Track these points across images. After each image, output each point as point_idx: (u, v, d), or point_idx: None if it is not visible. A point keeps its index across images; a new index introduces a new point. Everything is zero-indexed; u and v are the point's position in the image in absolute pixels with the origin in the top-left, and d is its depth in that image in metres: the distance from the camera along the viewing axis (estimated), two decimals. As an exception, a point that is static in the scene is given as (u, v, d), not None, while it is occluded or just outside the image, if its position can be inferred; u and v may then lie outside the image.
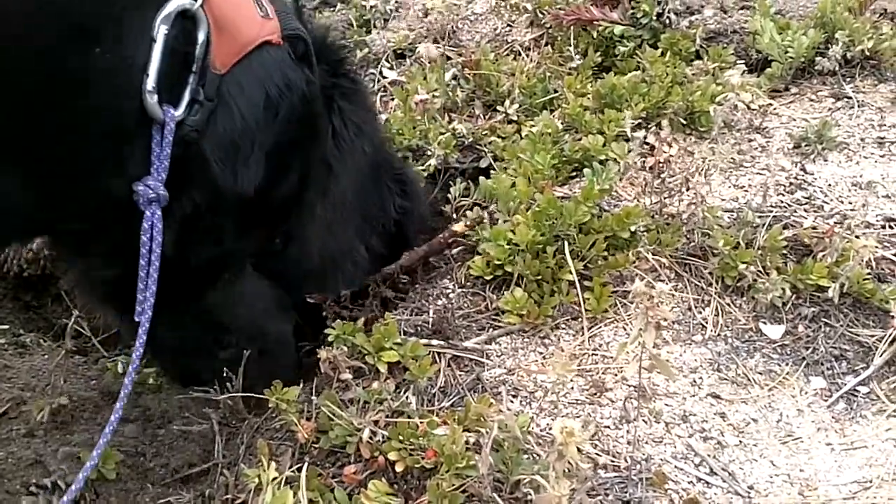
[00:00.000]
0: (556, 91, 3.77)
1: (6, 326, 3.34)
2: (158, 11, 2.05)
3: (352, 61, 3.04)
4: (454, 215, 3.28)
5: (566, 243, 2.74)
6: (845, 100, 3.52)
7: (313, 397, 2.45)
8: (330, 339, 2.52)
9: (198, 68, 2.17)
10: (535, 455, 2.23)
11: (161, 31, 2.04)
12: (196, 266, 2.48)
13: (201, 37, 2.16)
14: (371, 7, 4.91)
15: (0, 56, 1.85)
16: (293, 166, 2.57)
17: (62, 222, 2.27)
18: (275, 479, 2.20)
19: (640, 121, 3.35)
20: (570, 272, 2.69)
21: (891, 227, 2.88)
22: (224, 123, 2.28)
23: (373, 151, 2.94)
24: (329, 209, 2.81)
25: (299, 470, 2.25)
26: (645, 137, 3.32)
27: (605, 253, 2.77)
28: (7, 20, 1.84)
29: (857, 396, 2.49)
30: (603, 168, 2.99)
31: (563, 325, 2.72)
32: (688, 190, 2.92)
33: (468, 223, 2.95)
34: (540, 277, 2.73)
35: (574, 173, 3.26)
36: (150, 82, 2.04)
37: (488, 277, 2.82)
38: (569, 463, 1.85)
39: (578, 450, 1.83)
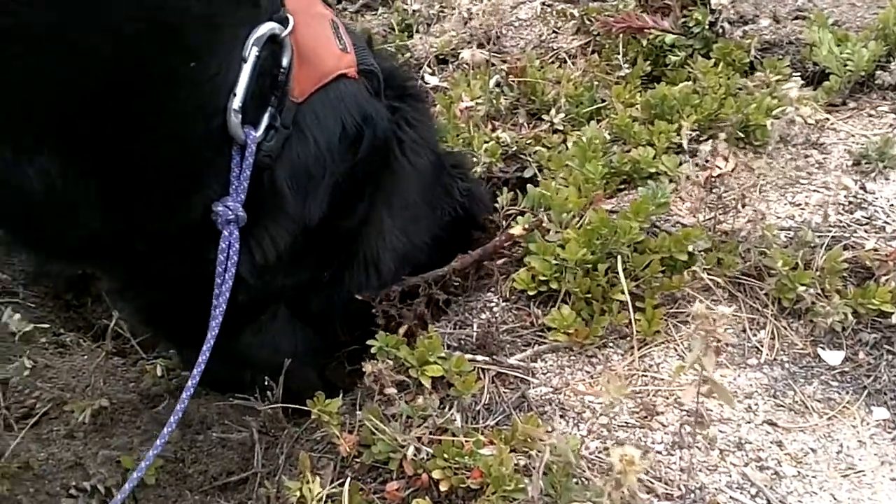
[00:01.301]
0: (603, 101, 3.70)
1: (46, 325, 3.32)
2: (251, 32, 2.07)
3: (416, 87, 3.03)
4: (503, 222, 3.21)
5: (619, 261, 2.65)
6: (907, 116, 3.41)
7: (357, 412, 2.40)
8: (373, 350, 2.47)
9: (278, 94, 2.19)
10: (583, 480, 2.17)
11: (252, 53, 2.05)
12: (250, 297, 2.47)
13: (285, 62, 2.18)
14: (413, 11, 4.85)
15: (94, 48, 1.81)
16: (362, 199, 2.60)
17: (126, 241, 2.24)
18: (318, 493, 2.16)
19: (693, 133, 3.26)
20: (623, 291, 2.61)
21: (956, 250, 2.77)
22: (298, 151, 2.29)
23: (432, 147, 2.93)
24: (397, 217, 2.79)
25: (341, 484, 2.21)
26: (696, 150, 3.24)
27: (660, 273, 2.68)
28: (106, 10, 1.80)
29: (921, 429, 2.40)
30: (659, 185, 2.90)
31: (612, 344, 2.65)
32: (743, 207, 2.83)
33: (525, 226, 2.87)
34: (590, 295, 2.65)
35: (622, 185, 3.19)
36: (237, 102, 2.04)
37: (532, 293, 2.75)
38: (626, 491, 1.78)
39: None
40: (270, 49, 2.14)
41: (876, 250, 2.71)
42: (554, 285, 2.69)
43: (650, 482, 2.20)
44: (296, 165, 2.30)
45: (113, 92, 1.88)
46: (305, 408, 2.43)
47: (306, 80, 2.28)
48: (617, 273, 2.64)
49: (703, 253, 2.74)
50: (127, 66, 1.86)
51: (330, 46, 2.41)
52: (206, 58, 2.00)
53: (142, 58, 1.88)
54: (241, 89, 2.04)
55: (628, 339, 2.63)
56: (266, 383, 2.62)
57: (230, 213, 2.13)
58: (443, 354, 2.47)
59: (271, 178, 2.27)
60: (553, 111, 3.68)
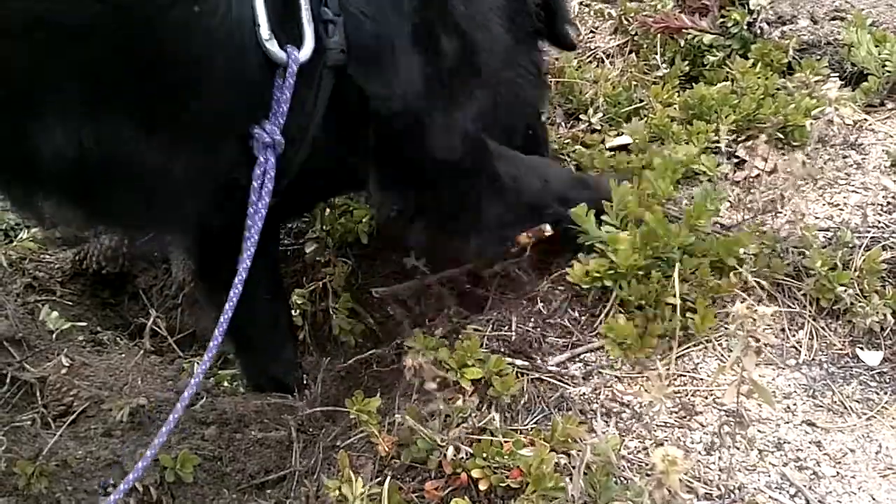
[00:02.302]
0: (641, 101, 3.71)
1: (84, 323, 3.36)
2: None
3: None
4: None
5: (675, 267, 2.62)
6: (945, 117, 3.39)
7: (396, 413, 2.40)
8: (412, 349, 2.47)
9: None
10: (622, 479, 2.16)
11: None
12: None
13: None
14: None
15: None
16: (442, 34, 2.47)
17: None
18: (359, 493, 2.16)
19: (731, 134, 3.25)
20: (675, 296, 2.58)
21: None
22: (356, 33, 2.22)
23: None
24: (490, 43, 2.69)
25: (380, 483, 2.21)
26: (735, 151, 3.24)
27: (710, 276, 2.66)
28: None
29: (960, 430, 2.38)
30: (714, 186, 2.89)
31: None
32: (783, 207, 2.82)
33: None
34: (643, 302, 2.63)
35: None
36: (265, 31, 2.03)
37: (585, 286, 2.73)
38: (667, 492, 1.78)
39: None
40: None
41: (915, 251, 2.70)
42: (608, 282, 2.67)
43: (690, 482, 2.19)
44: (360, 50, 2.23)
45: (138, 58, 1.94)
46: (343, 408, 2.44)
47: None
48: (669, 277, 2.62)
49: (750, 256, 2.73)
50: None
51: None
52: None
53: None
54: (262, 17, 2.02)
55: (667, 339, 2.62)
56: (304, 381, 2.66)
57: (266, 136, 2.10)
58: (481, 356, 2.47)
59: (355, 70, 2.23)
60: (591, 111, 3.70)
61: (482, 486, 2.15)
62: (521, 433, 2.30)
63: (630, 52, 4.08)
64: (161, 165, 2.12)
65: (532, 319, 2.76)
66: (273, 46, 2.04)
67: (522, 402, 2.46)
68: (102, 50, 1.90)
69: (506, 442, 2.21)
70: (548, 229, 2.84)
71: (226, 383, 3.21)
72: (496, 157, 2.72)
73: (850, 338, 2.62)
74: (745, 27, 3.75)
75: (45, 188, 2.16)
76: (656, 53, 3.93)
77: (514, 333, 2.69)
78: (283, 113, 2.10)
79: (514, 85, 2.91)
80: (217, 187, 2.26)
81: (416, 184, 2.57)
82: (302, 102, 2.17)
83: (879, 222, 2.89)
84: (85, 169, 2.02)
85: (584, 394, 2.49)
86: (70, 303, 3.56)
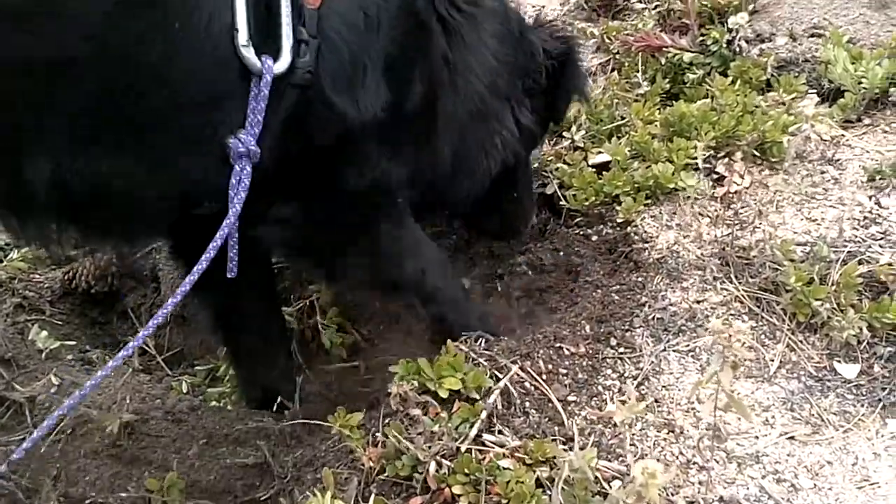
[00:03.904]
0: (622, 118, 3.74)
1: (73, 342, 3.38)
2: None
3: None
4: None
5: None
6: (920, 133, 3.44)
7: (377, 432, 2.42)
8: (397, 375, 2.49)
9: (291, 9, 2.16)
10: (602, 493, 2.19)
11: None
12: (355, 193, 2.53)
13: None
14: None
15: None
16: (413, 74, 2.53)
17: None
18: (342, 508, 2.18)
19: (710, 151, 3.30)
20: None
21: (971, 265, 2.80)
22: (331, 55, 2.26)
23: (500, 13, 2.91)
24: (462, 101, 2.75)
25: (365, 499, 2.24)
26: (714, 167, 3.28)
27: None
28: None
29: (936, 441, 2.42)
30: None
31: (628, 359, 2.68)
32: (760, 222, 2.87)
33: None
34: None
35: (648, 201, 3.23)
36: (242, 37, 2.07)
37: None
38: (647, 505, 1.82)
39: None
40: None
41: (891, 265, 2.74)
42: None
43: (668, 495, 2.23)
44: (334, 70, 2.28)
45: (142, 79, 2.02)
46: (326, 423, 2.47)
47: None
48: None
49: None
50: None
51: None
52: (190, 11, 2.03)
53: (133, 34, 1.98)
54: (241, 23, 2.06)
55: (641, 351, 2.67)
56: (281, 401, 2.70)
57: (241, 146, 2.13)
58: (465, 370, 2.48)
59: (319, 90, 2.27)
60: (574, 128, 3.73)
61: (463, 503, 2.17)
62: (503, 448, 2.32)
63: (612, 70, 4.13)
64: (146, 183, 2.19)
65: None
66: (249, 53, 2.08)
67: (504, 415, 2.47)
68: (89, 87, 1.98)
69: (487, 457, 2.23)
70: None
71: (214, 402, 3.23)
72: (396, 218, 2.75)
73: (828, 351, 2.66)
74: (725, 45, 3.79)
75: (39, 216, 2.24)
76: (638, 71, 3.98)
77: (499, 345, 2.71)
78: (258, 122, 2.14)
79: (484, 142, 2.96)
80: (197, 192, 2.32)
81: (314, 203, 2.58)
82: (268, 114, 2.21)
83: (856, 237, 2.93)
84: (75, 197, 2.11)
85: (565, 406, 2.51)
86: (59, 322, 3.58)
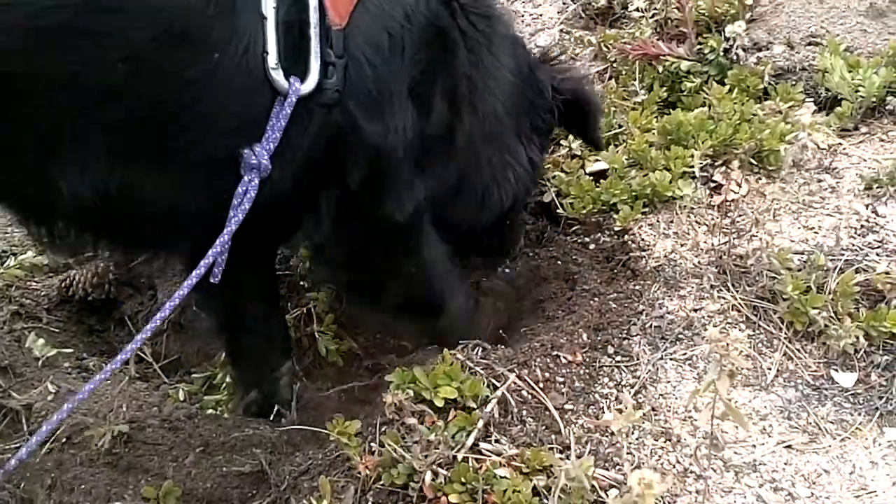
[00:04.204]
0: (620, 126, 3.74)
1: (70, 350, 3.36)
2: None
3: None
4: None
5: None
6: (917, 141, 3.44)
7: (373, 442, 2.41)
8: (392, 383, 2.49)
9: (319, 30, 2.19)
10: (599, 502, 2.19)
11: (270, 6, 2.10)
12: (395, 223, 2.58)
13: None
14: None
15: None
16: (436, 92, 2.55)
17: None
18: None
19: (707, 159, 3.30)
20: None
21: (968, 273, 2.80)
22: (357, 76, 2.30)
23: (511, 44, 2.93)
24: (480, 122, 2.77)
25: (361, 507, 2.24)
26: (712, 175, 3.28)
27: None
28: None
29: (933, 449, 2.42)
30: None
31: (625, 368, 2.68)
32: (757, 231, 2.87)
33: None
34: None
35: (645, 210, 3.23)
36: (272, 60, 2.11)
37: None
38: (642, 515, 1.81)
39: (651, 501, 1.80)
40: None
41: (888, 273, 2.74)
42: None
43: (665, 504, 2.23)
44: (360, 92, 2.31)
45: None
46: (323, 431, 2.47)
47: (341, 3, 2.26)
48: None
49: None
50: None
51: None
52: (229, 39, 2.07)
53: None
54: (271, 46, 2.10)
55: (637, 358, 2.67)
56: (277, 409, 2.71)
57: (254, 158, 2.15)
58: (461, 379, 2.48)
59: (347, 112, 2.30)
60: (571, 136, 3.72)
61: (460, 511, 2.17)
62: (500, 456, 2.32)
63: (609, 78, 4.13)
64: (174, 198, 2.26)
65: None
66: (278, 76, 2.12)
67: (500, 423, 2.47)
68: (125, 107, 2.03)
69: (483, 465, 2.23)
70: None
71: (211, 410, 3.22)
72: (426, 237, 2.81)
73: (825, 360, 2.66)
74: (722, 54, 3.79)
75: (65, 223, 2.31)
76: (635, 80, 3.98)
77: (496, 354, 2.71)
78: (275, 139, 2.16)
79: (497, 171, 2.99)
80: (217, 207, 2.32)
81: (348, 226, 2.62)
82: (293, 133, 2.23)
83: (853, 245, 2.93)
84: (105, 208, 2.15)
85: (562, 415, 2.51)
86: (56, 330, 3.56)
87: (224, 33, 2.07)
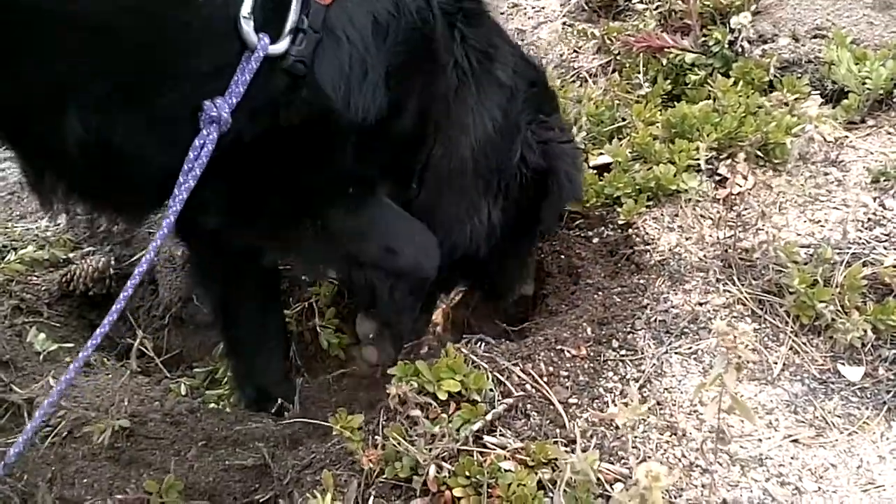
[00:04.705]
0: (624, 119, 3.72)
1: (71, 345, 3.35)
2: None
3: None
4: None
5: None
6: (924, 134, 3.42)
7: (377, 435, 2.40)
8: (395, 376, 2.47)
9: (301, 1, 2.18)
10: (604, 495, 2.17)
11: None
12: (311, 186, 2.50)
13: None
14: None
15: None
16: (411, 94, 2.53)
17: None
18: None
19: (712, 152, 3.28)
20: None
21: (975, 266, 2.78)
22: (333, 52, 2.28)
23: (507, 96, 2.85)
24: (448, 160, 2.74)
25: (363, 501, 2.22)
26: (717, 168, 3.26)
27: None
28: None
29: (941, 443, 2.40)
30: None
31: (629, 362, 2.67)
32: (763, 224, 2.85)
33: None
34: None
35: (649, 203, 3.21)
36: (246, 8, 2.08)
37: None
38: (649, 508, 1.80)
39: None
40: None
41: (895, 266, 2.72)
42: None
43: (671, 498, 2.21)
44: (332, 66, 2.28)
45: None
46: (326, 424, 2.45)
47: None
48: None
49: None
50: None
51: None
52: None
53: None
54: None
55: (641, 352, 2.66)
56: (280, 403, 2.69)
57: (214, 110, 2.11)
58: (465, 372, 2.47)
59: (312, 81, 2.26)
60: (574, 130, 3.69)
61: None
62: (504, 449, 2.30)
63: (613, 71, 4.11)
64: (151, 149, 2.24)
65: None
66: (248, 26, 2.09)
67: (505, 417, 2.46)
68: (121, 48, 2.05)
69: (488, 459, 2.22)
70: None
71: (213, 404, 3.21)
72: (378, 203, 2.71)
73: (832, 353, 2.64)
74: (727, 46, 3.77)
75: (67, 173, 2.33)
76: (639, 72, 3.96)
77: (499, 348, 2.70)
78: (238, 93, 2.13)
79: (451, 219, 2.89)
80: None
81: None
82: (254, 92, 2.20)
83: (860, 238, 2.91)
84: (98, 156, 2.17)
85: (566, 408, 2.49)
86: (57, 324, 3.56)
87: None
